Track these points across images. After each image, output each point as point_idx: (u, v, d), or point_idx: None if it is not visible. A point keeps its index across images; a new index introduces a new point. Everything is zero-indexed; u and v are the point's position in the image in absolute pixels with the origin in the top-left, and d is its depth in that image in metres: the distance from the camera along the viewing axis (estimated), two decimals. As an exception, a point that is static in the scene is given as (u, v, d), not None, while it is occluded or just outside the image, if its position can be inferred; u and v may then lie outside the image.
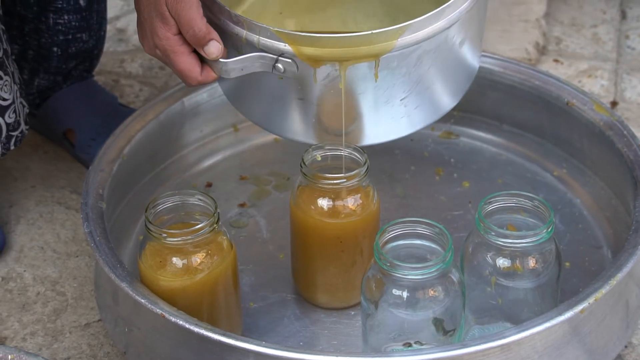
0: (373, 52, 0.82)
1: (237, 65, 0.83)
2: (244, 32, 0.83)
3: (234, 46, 0.85)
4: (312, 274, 0.90)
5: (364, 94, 0.85)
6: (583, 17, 1.43)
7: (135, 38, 1.40)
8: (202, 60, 0.84)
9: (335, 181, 0.85)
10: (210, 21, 0.84)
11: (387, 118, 0.87)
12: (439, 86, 0.89)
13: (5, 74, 0.91)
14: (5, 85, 0.92)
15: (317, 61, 0.82)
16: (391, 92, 0.86)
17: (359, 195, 0.86)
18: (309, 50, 0.81)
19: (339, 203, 0.86)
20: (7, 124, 0.94)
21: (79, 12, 1.08)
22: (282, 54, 0.81)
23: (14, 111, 0.94)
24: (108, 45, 1.38)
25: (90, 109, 1.15)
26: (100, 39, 1.13)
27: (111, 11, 1.46)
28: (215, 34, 0.81)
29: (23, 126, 0.97)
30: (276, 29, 0.81)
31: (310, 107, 0.86)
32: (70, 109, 1.15)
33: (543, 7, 1.39)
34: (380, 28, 0.81)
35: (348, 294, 0.91)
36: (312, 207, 0.86)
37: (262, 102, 0.90)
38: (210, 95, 1.09)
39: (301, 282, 0.93)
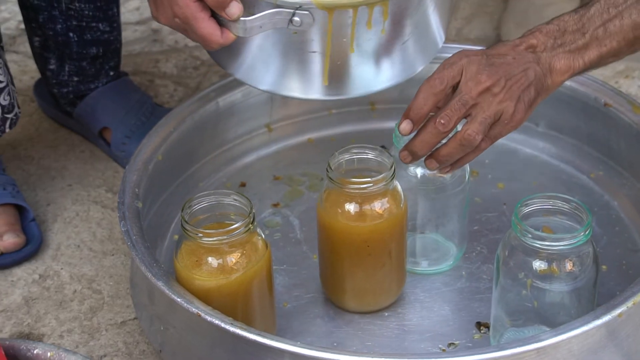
0: None
1: (256, 23, 0.84)
2: None
3: (247, 5, 0.85)
4: (340, 278, 0.90)
5: (372, 40, 0.87)
6: (620, 17, 1.41)
7: (170, 39, 1.41)
8: (220, 23, 0.85)
9: (362, 185, 0.85)
10: None
11: (388, 63, 0.90)
12: (433, 25, 0.91)
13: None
14: (0, 67, 0.95)
15: (332, 8, 0.84)
16: (394, 35, 0.88)
17: (386, 199, 0.86)
18: (326, 1, 0.83)
19: (366, 207, 0.86)
20: (2, 106, 0.97)
21: (93, 2, 1.10)
22: (299, 6, 0.83)
23: (9, 93, 0.97)
24: (143, 46, 1.39)
25: (126, 108, 1.16)
26: (119, 32, 1.15)
27: (146, 12, 1.48)
28: None
29: (17, 109, 1.00)
30: None
31: (321, 59, 0.88)
32: (105, 108, 1.16)
33: (575, 7, 1.37)
34: None
35: (377, 297, 0.91)
36: (339, 211, 0.86)
37: (271, 64, 0.90)
38: (244, 95, 1.09)
39: (329, 286, 0.93)
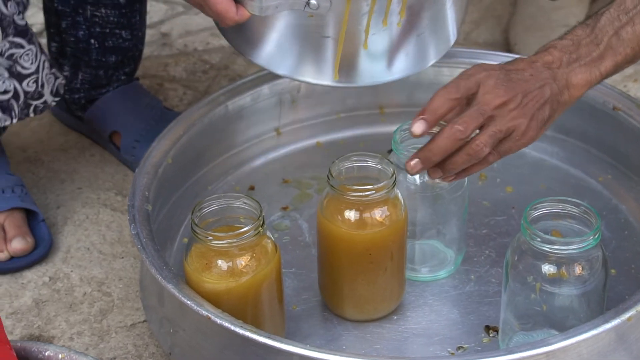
0: None
1: (273, 2, 0.84)
2: None
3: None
4: (340, 285, 0.90)
5: (387, 31, 0.87)
6: (628, 21, 1.41)
7: (179, 42, 1.42)
8: (236, 0, 0.85)
9: (363, 193, 0.85)
10: None
11: (401, 55, 0.89)
12: (449, 20, 0.91)
13: (29, 43, 0.94)
14: (28, 55, 0.95)
15: None
16: (410, 28, 0.88)
17: (387, 206, 0.86)
18: None
19: (366, 215, 0.86)
20: (26, 92, 0.96)
21: (118, 9, 1.10)
22: None
23: (35, 81, 0.96)
24: (152, 49, 1.40)
25: (135, 112, 1.16)
26: (140, 40, 1.15)
27: (155, 15, 1.48)
28: None
29: (48, 97, 0.99)
30: None
31: (334, 45, 0.88)
32: (115, 112, 1.16)
33: (583, 10, 1.37)
34: None
35: (377, 305, 0.91)
36: (340, 218, 0.86)
37: (286, 47, 0.90)
38: (253, 99, 1.10)
39: (328, 294, 0.93)
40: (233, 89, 1.09)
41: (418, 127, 0.83)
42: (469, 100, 0.83)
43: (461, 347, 0.89)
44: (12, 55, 0.93)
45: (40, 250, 1.03)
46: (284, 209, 1.06)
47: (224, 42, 1.30)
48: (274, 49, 0.91)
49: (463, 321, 0.91)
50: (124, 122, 1.16)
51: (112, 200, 1.13)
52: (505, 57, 1.10)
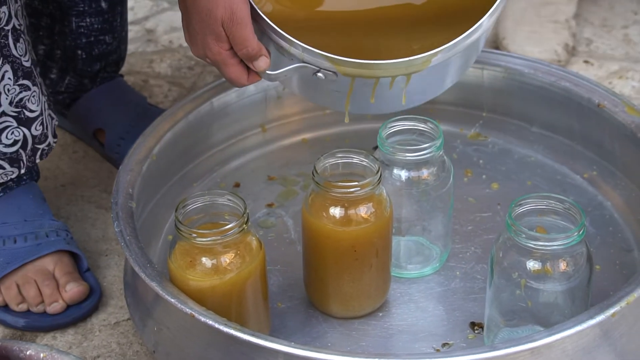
0: (408, 71, 0.88)
1: (281, 74, 0.89)
2: (288, 47, 0.87)
3: (278, 51, 0.88)
4: (325, 282, 0.90)
5: (392, 92, 0.90)
6: (614, 17, 1.42)
7: (164, 38, 1.41)
8: (247, 66, 0.89)
9: (348, 190, 0.85)
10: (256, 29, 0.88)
11: (409, 101, 0.93)
12: (451, 75, 0.94)
13: (33, 85, 0.92)
14: (33, 97, 0.92)
15: (356, 75, 0.88)
16: (416, 88, 0.91)
17: (372, 203, 0.86)
18: (351, 71, 0.87)
19: (351, 211, 0.86)
20: (34, 136, 0.93)
21: (101, 15, 1.09)
22: (324, 67, 0.87)
23: (41, 123, 0.93)
24: (137, 46, 1.39)
25: (120, 109, 1.16)
26: (122, 40, 1.15)
27: (140, 12, 1.48)
28: (264, 50, 0.86)
29: (51, 139, 0.96)
30: (322, 53, 0.86)
31: (344, 98, 0.92)
32: (99, 109, 1.16)
33: (572, 8, 1.37)
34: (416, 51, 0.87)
35: (362, 302, 0.91)
36: (325, 215, 0.86)
37: (300, 87, 0.94)
38: (238, 95, 1.09)
39: (313, 291, 0.92)
40: (218, 85, 1.08)
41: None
42: None
43: (446, 343, 0.89)
44: (21, 100, 0.90)
45: (95, 298, 0.95)
46: (269, 205, 1.06)
47: (209, 38, 1.29)
48: (289, 83, 0.94)
49: (448, 318, 0.91)
50: (108, 120, 1.15)
51: (96, 197, 1.12)
52: (492, 52, 1.11)
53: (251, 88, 1.09)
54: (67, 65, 1.12)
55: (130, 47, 1.39)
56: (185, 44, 1.39)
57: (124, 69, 1.31)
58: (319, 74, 0.88)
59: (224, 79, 1.09)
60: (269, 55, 0.87)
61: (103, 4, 1.09)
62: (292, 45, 0.86)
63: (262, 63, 0.86)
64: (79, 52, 1.11)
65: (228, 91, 1.08)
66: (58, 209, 1.10)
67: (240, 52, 0.86)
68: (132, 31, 1.42)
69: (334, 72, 0.87)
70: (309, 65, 0.87)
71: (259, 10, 0.86)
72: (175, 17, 1.46)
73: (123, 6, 1.12)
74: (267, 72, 0.88)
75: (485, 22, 0.88)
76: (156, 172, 1.00)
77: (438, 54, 0.87)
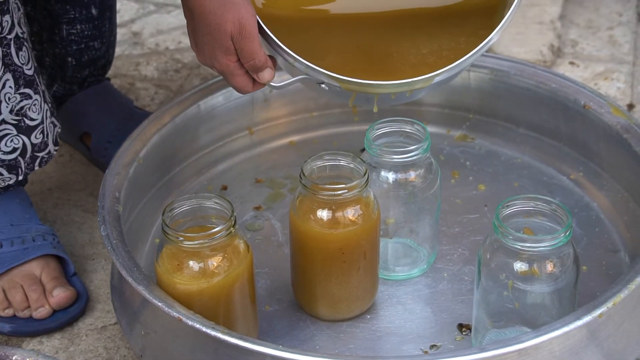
0: (411, 88, 0.89)
1: (285, 85, 0.91)
2: (292, 61, 0.88)
3: (283, 60, 0.90)
4: (313, 285, 0.90)
5: (395, 98, 0.94)
6: (599, 19, 1.43)
7: (150, 41, 1.41)
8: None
9: (335, 192, 0.85)
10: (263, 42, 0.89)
11: (401, 96, 0.94)
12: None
13: (35, 93, 0.92)
14: (35, 105, 0.92)
15: (359, 92, 0.90)
16: (415, 95, 0.93)
17: (359, 206, 0.86)
18: (354, 88, 0.88)
19: (339, 214, 0.86)
20: (33, 145, 0.93)
21: (92, 21, 1.09)
22: (327, 81, 0.89)
23: (42, 132, 0.93)
24: (123, 49, 1.39)
25: (106, 113, 1.15)
26: (111, 44, 1.14)
27: (126, 14, 1.47)
28: (270, 62, 0.88)
29: (51, 147, 0.96)
30: (325, 72, 0.87)
31: (348, 97, 0.93)
32: (86, 112, 1.15)
33: (557, 9, 1.38)
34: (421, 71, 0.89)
35: (350, 305, 0.91)
36: (312, 218, 0.86)
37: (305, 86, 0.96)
38: (225, 98, 1.09)
39: (301, 294, 0.92)
40: (205, 88, 1.08)
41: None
42: None
43: (434, 345, 0.89)
44: (21, 108, 0.90)
45: (82, 302, 0.95)
46: (257, 208, 1.06)
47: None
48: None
49: (436, 319, 0.91)
50: (94, 123, 1.14)
51: (83, 201, 1.11)
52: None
53: (238, 91, 1.09)
54: (55, 72, 1.12)
55: (117, 50, 1.38)
56: (172, 47, 1.39)
57: (110, 72, 1.30)
58: (323, 85, 0.90)
59: (211, 81, 1.09)
60: (274, 67, 0.89)
61: (94, 11, 1.09)
62: (295, 61, 0.88)
63: (267, 75, 0.88)
64: (69, 59, 1.11)
65: (215, 94, 1.08)
66: (44, 213, 1.09)
67: (247, 64, 0.87)
68: (119, 34, 1.42)
69: (336, 85, 0.89)
70: (312, 78, 0.89)
71: (265, 27, 0.87)
72: (161, 19, 1.46)
73: (112, 11, 1.12)
74: (272, 83, 0.89)
75: (495, 37, 0.89)
76: (143, 176, 1.00)
77: (442, 74, 0.88)
